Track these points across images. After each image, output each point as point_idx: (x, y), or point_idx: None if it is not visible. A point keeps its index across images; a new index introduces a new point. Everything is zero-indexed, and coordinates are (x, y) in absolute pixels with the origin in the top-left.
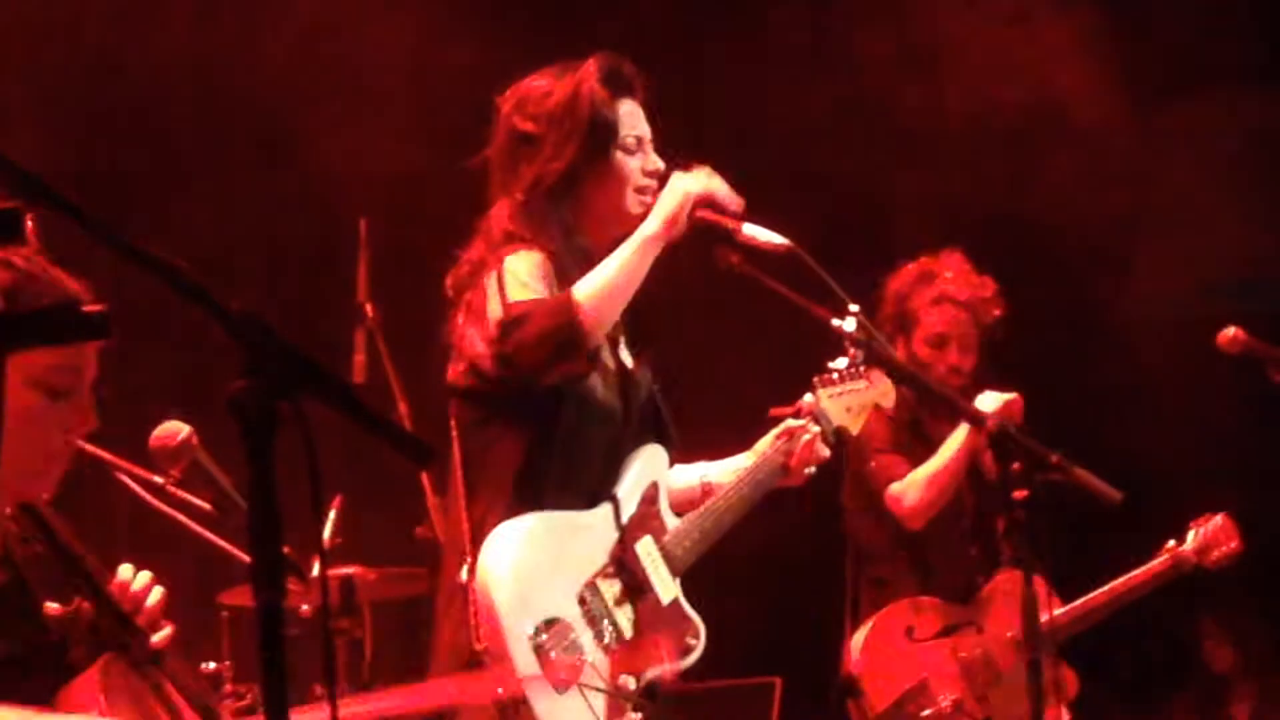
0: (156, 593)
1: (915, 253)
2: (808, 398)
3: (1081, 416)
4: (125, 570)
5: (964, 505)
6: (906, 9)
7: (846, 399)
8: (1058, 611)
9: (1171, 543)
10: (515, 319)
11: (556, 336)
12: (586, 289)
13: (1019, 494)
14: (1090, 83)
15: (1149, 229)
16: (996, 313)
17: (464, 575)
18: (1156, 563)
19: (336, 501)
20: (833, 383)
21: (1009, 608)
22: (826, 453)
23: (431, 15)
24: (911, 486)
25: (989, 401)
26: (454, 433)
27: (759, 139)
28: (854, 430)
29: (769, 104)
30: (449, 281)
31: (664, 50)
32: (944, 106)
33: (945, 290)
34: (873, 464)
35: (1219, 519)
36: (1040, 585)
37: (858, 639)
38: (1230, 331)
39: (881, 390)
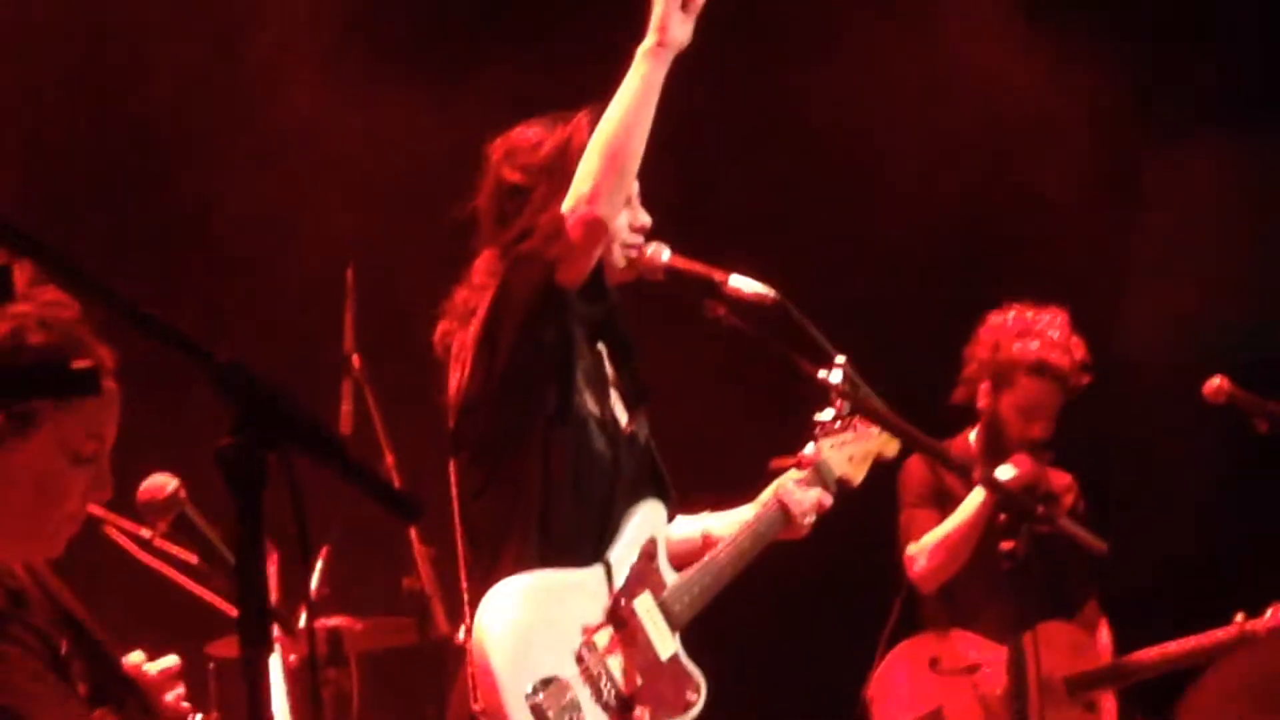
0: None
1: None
2: (809, 448)
3: (1072, 466)
4: (136, 656)
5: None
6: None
7: (849, 448)
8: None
9: (1241, 616)
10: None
11: (605, 168)
12: (608, 115)
13: (1006, 545)
14: (1072, 129)
15: (1133, 276)
16: (1084, 380)
17: (460, 636)
18: (1221, 632)
19: (324, 552)
20: (835, 432)
21: (1049, 654)
22: (829, 502)
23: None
24: (923, 552)
25: (1005, 472)
26: (454, 492)
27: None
28: (856, 480)
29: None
30: (436, 337)
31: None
32: (922, 154)
33: (1048, 359)
34: (901, 517)
35: None
36: (1081, 637)
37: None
38: (1215, 382)
39: (884, 440)
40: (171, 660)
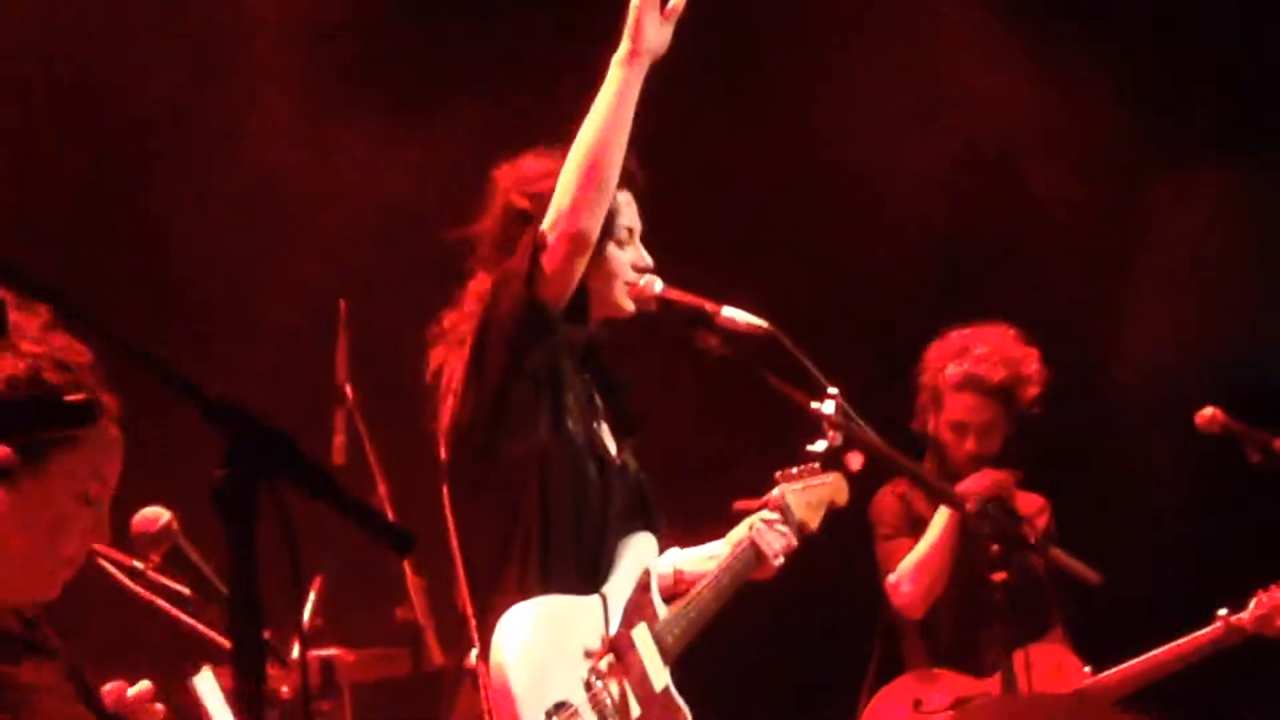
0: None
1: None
2: (774, 491)
3: (1062, 498)
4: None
5: (986, 580)
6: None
7: (807, 494)
8: (1087, 682)
9: (1224, 611)
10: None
11: (584, 181)
12: (584, 127)
13: (998, 576)
14: (1065, 160)
15: (1127, 305)
16: (1034, 391)
17: (472, 659)
18: (1205, 632)
19: (316, 583)
20: (794, 478)
21: (1037, 676)
22: (795, 542)
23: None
24: (903, 577)
25: (969, 481)
26: (449, 518)
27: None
28: (813, 525)
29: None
30: (430, 366)
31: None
32: (917, 178)
33: (972, 372)
34: (879, 549)
35: None
36: (1070, 657)
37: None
38: (1208, 412)
39: (837, 487)
40: (145, 685)
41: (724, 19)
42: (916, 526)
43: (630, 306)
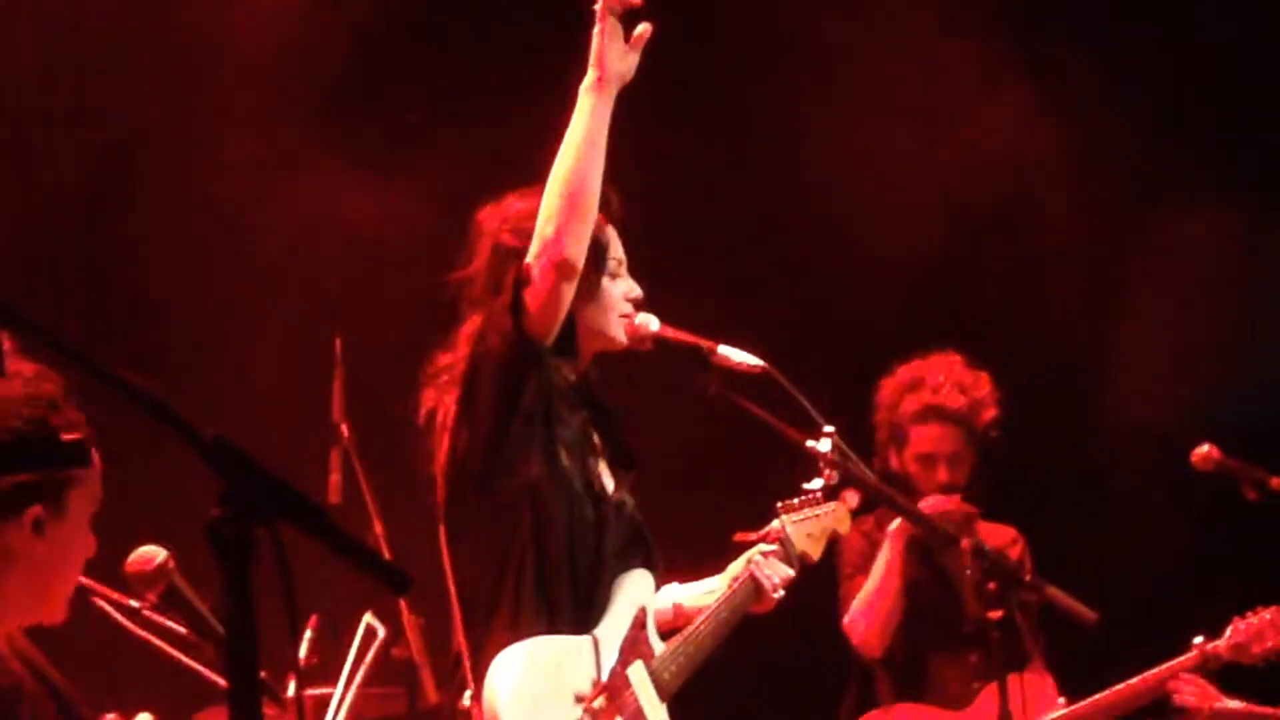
0: None
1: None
2: (774, 523)
3: (1057, 534)
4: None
5: (963, 612)
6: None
7: (808, 525)
8: (1060, 713)
9: (1200, 639)
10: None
11: (564, 208)
12: (560, 156)
13: (994, 614)
14: (1060, 194)
15: (1122, 343)
16: (991, 414)
17: (466, 700)
18: (1181, 660)
19: (312, 621)
20: (795, 509)
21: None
22: (794, 575)
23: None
24: (856, 616)
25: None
26: (444, 557)
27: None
28: (814, 556)
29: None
30: (422, 408)
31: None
32: (910, 211)
33: (932, 403)
34: (840, 590)
35: (1270, 613)
36: (1048, 687)
37: None
38: (1204, 449)
39: (839, 516)
40: (146, 717)
41: (712, 51)
42: (875, 554)
43: (624, 338)
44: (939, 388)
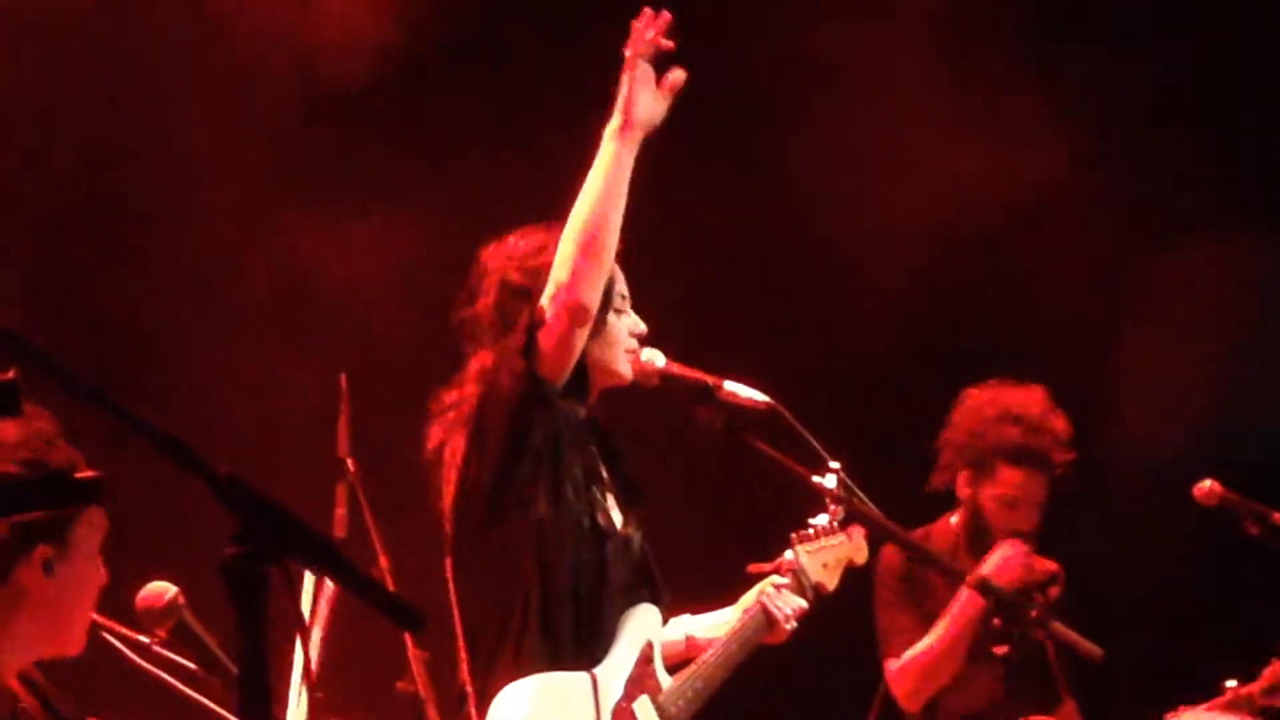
0: None
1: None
2: (788, 554)
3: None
4: None
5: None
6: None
7: (823, 555)
8: None
9: (1233, 682)
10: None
11: (581, 253)
12: (580, 200)
13: (1000, 649)
14: (1068, 224)
15: (1122, 376)
16: (1069, 458)
17: None
18: (1213, 703)
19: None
20: (810, 539)
21: None
22: (807, 606)
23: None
24: (908, 673)
25: (998, 568)
26: (451, 593)
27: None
28: (830, 586)
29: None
30: (430, 443)
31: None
32: (912, 247)
33: (1032, 446)
34: (880, 621)
35: None
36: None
37: None
38: (1206, 485)
39: (856, 546)
40: None
41: (703, 82)
42: (916, 590)
43: (630, 374)
44: (1037, 429)
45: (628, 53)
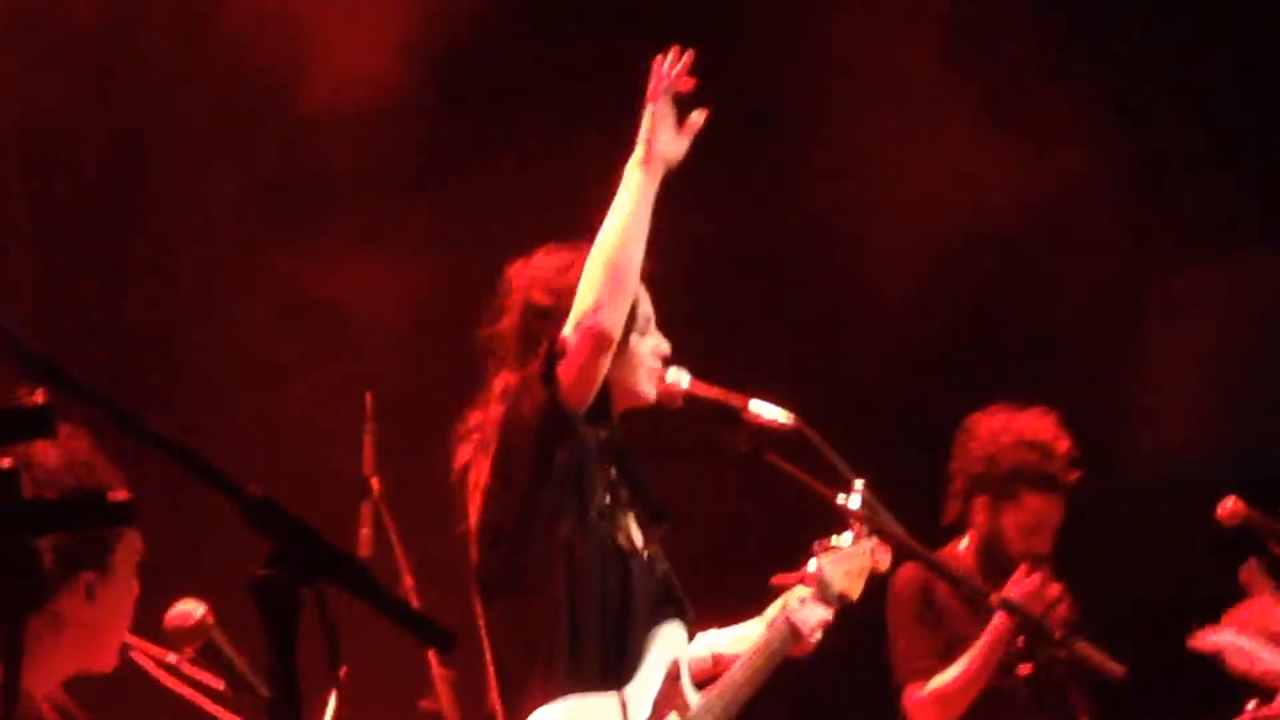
0: None
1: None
2: (811, 565)
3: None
4: None
5: (1011, 673)
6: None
7: (846, 563)
8: None
9: (1253, 704)
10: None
11: (605, 280)
12: (604, 229)
13: (1024, 669)
14: (1075, 246)
15: (1142, 395)
16: (1077, 475)
17: None
18: None
19: (341, 673)
20: (833, 549)
21: None
22: (829, 616)
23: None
24: (933, 702)
25: (1021, 589)
26: (479, 617)
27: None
28: (854, 595)
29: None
30: (455, 466)
31: None
32: (923, 266)
33: (1052, 472)
34: (898, 643)
35: None
36: None
37: None
38: (1229, 503)
39: (879, 555)
40: None
41: (721, 98)
42: (933, 610)
43: (653, 395)
44: (1053, 453)
45: (650, 88)
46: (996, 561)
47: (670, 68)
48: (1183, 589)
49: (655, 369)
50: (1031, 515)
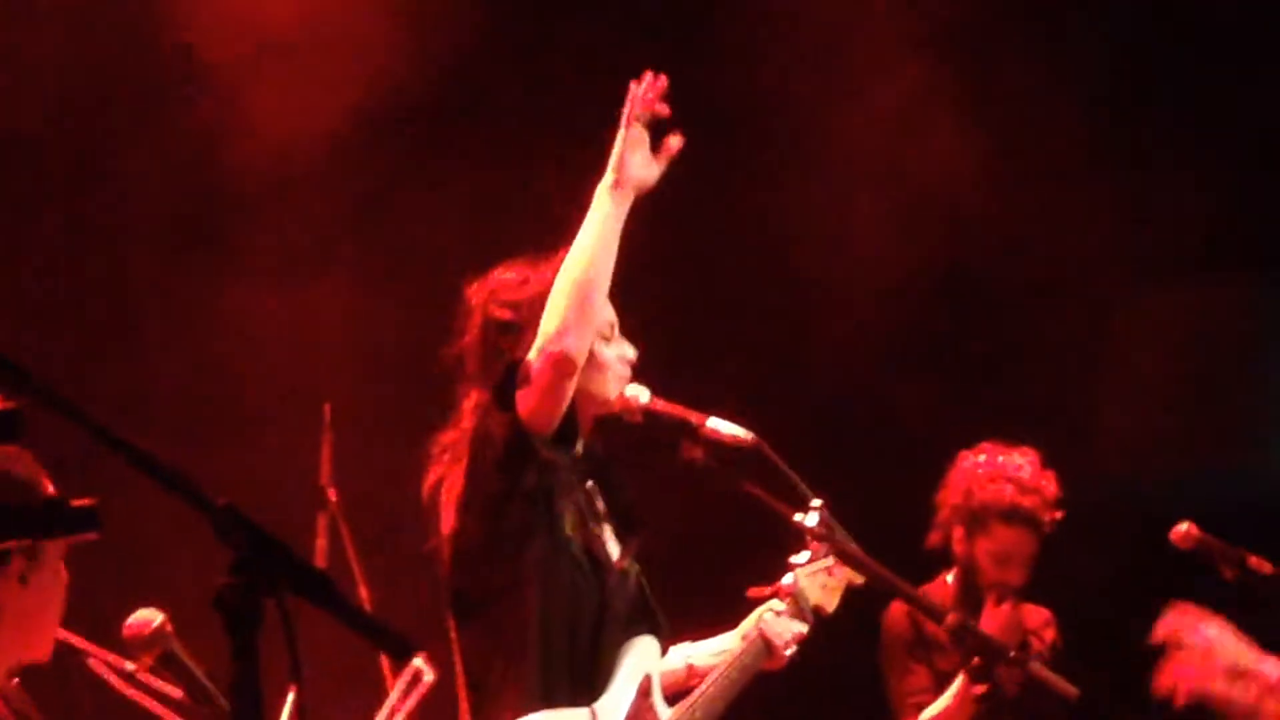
0: None
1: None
2: (787, 578)
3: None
4: None
5: (1004, 699)
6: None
7: (821, 577)
8: None
9: None
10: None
11: (571, 305)
12: (571, 253)
13: (979, 689)
14: (1047, 268)
15: (1102, 418)
16: (1056, 516)
17: None
18: None
19: (292, 686)
20: (809, 561)
21: None
22: (804, 630)
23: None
24: None
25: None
26: (452, 638)
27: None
28: (830, 608)
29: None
30: (426, 485)
31: None
32: (890, 288)
33: (1021, 506)
34: (891, 681)
35: None
36: None
37: None
38: (1184, 527)
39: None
40: None
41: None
42: (925, 648)
43: (616, 397)
44: (1029, 489)
45: (624, 112)
46: (973, 592)
47: (645, 92)
48: (1140, 613)
49: (623, 374)
50: (1001, 546)
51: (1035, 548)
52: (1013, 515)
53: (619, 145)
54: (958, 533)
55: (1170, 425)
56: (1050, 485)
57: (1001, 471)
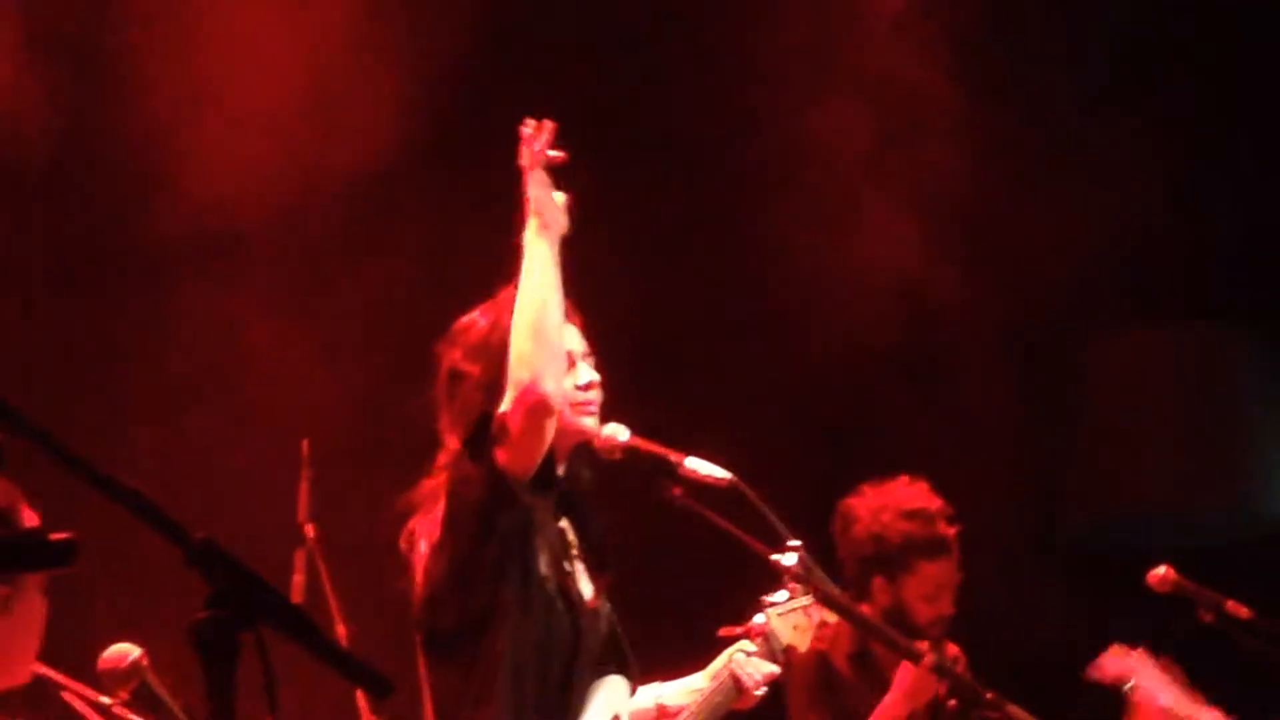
0: None
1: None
2: (758, 618)
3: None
4: None
5: None
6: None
7: (793, 617)
8: None
9: None
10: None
11: (534, 350)
12: (519, 300)
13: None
14: (1005, 315)
15: (1077, 458)
16: (957, 530)
17: None
18: None
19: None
20: (779, 601)
21: None
22: (777, 670)
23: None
24: None
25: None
26: (421, 672)
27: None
28: (803, 647)
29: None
30: (404, 533)
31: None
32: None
33: (942, 535)
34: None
35: None
36: None
37: None
38: (1161, 570)
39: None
40: None
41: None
42: (830, 687)
43: (589, 424)
44: (934, 518)
45: (522, 163)
46: (904, 632)
47: (534, 141)
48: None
49: (582, 400)
50: (930, 582)
51: (958, 572)
52: (937, 548)
53: (531, 191)
54: (878, 583)
55: (1149, 468)
56: (942, 504)
57: (903, 507)
